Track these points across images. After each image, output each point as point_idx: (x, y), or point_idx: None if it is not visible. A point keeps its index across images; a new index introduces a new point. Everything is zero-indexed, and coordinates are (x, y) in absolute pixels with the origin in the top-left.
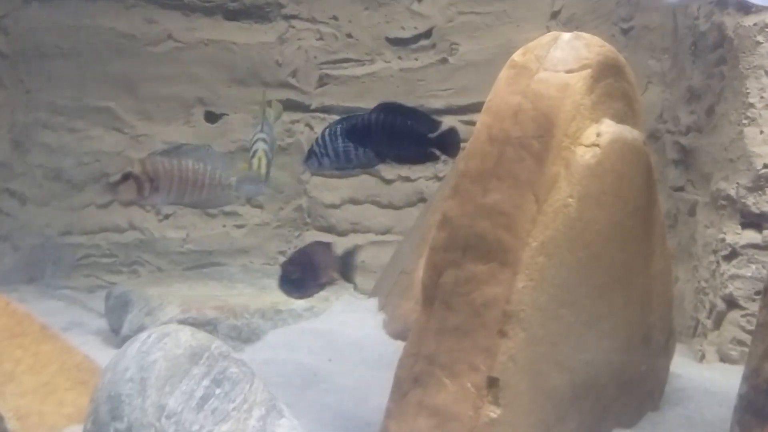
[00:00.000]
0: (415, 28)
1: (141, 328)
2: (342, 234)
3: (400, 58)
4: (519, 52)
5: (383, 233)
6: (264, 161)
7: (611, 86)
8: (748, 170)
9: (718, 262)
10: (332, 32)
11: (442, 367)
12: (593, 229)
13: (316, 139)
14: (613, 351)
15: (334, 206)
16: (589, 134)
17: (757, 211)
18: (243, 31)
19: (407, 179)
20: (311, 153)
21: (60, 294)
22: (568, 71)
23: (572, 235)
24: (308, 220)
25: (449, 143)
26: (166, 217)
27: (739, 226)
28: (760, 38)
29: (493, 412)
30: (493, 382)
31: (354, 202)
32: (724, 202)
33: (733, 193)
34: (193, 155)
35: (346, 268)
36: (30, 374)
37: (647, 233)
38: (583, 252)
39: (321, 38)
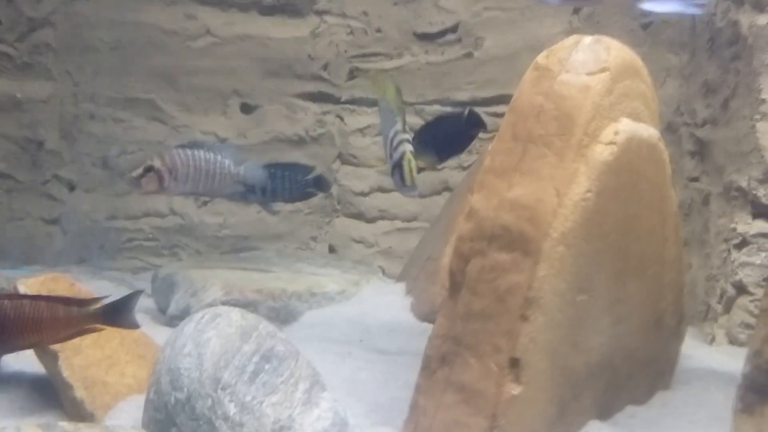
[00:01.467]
0: (442, 23)
1: (186, 308)
2: (370, 221)
3: (426, 52)
4: (542, 54)
5: (410, 221)
6: (413, 166)
7: (629, 87)
8: (759, 163)
9: (729, 251)
10: (362, 27)
11: (468, 348)
12: (610, 221)
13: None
14: (627, 334)
15: (363, 194)
16: (608, 133)
17: (766, 202)
18: (277, 26)
19: (434, 169)
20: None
21: (108, 275)
22: (589, 73)
23: (590, 226)
24: (338, 207)
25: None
26: (204, 203)
27: (750, 217)
28: None
29: (515, 389)
30: (514, 362)
31: (382, 190)
32: (736, 194)
33: (744, 185)
34: (205, 148)
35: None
36: (94, 348)
37: (661, 224)
38: (600, 242)
39: (351, 33)
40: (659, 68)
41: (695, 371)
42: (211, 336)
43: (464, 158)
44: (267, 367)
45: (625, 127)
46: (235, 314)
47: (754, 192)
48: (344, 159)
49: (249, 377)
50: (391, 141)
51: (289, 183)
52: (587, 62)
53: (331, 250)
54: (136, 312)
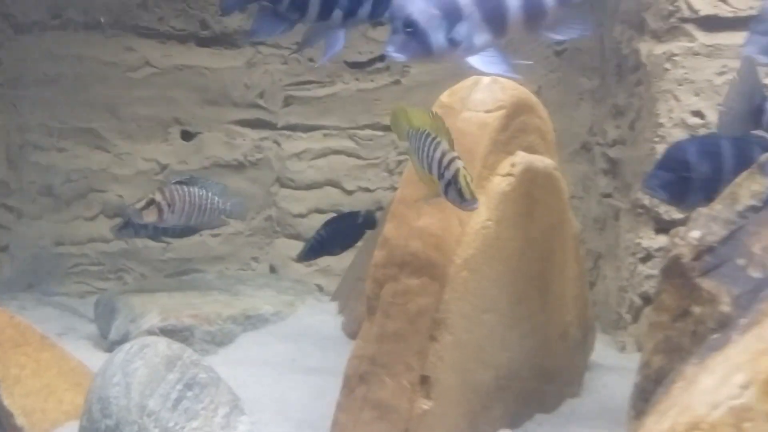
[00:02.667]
0: (371, 52)
1: (126, 334)
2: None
3: (357, 79)
4: (446, 93)
5: None
6: (469, 180)
7: (524, 122)
8: (732, 202)
9: (636, 264)
10: (295, 57)
11: (383, 367)
12: (510, 246)
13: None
14: (534, 348)
15: (301, 215)
16: (505, 165)
17: (668, 219)
18: (214, 57)
19: (367, 190)
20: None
21: (55, 301)
22: (487, 111)
23: (491, 252)
24: (277, 228)
25: None
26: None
27: (653, 232)
28: (667, 65)
29: (425, 404)
30: (425, 380)
31: (319, 211)
32: (641, 210)
33: (647, 202)
34: (198, 185)
35: None
36: (33, 378)
37: (560, 245)
38: (502, 266)
39: (285, 63)
40: (573, 92)
41: (604, 378)
42: (139, 366)
43: (395, 179)
44: (189, 394)
45: (521, 159)
46: (162, 344)
47: (656, 209)
48: (282, 182)
49: (172, 404)
50: (439, 162)
51: None
52: (485, 101)
53: (272, 270)
54: (79, 338)
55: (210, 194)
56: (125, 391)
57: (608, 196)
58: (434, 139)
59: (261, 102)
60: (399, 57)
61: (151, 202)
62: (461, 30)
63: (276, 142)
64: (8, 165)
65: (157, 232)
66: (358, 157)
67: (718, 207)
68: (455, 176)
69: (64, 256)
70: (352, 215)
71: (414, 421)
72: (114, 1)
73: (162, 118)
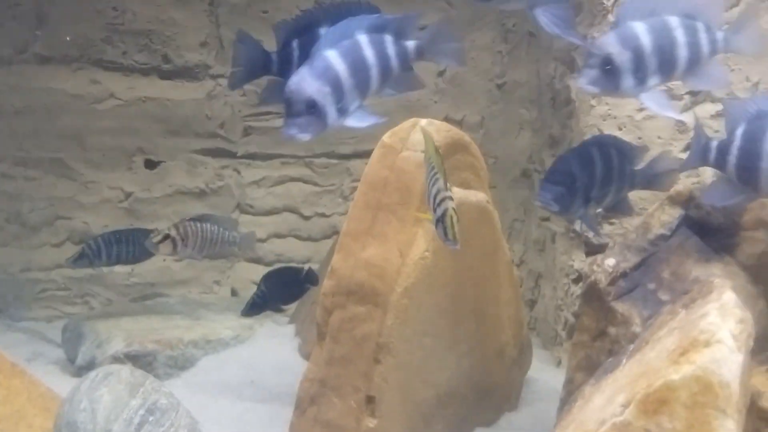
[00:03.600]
0: None
1: (92, 359)
2: (268, 264)
3: None
4: (387, 134)
5: (304, 263)
6: (455, 221)
7: (458, 160)
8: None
9: (569, 284)
10: (253, 89)
11: (332, 389)
12: (447, 275)
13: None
14: (471, 366)
15: (261, 240)
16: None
17: (597, 243)
18: (176, 89)
19: (323, 215)
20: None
21: (23, 326)
22: (424, 151)
23: (429, 281)
24: (239, 252)
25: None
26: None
27: (584, 255)
28: (593, 102)
29: (371, 422)
30: (370, 400)
31: (278, 236)
32: (572, 234)
33: (577, 227)
34: (210, 221)
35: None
36: (4, 404)
37: (494, 272)
38: (440, 292)
39: (244, 94)
40: (514, 122)
41: (541, 392)
42: (104, 392)
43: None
44: (151, 418)
45: (456, 194)
46: (125, 372)
47: (585, 234)
48: (242, 209)
49: (135, 428)
50: (434, 197)
51: (133, 247)
52: (422, 142)
53: (233, 293)
54: (47, 363)
55: (220, 228)
56: (91, 416)
57: (546, 219)
58: (435, 174)
59: (221, 132)
60: (303, 137)
61: (166, 237)
62: (347, 101)
63: (236, 170)
64: None
65: (111, 261)
66: (315, 184)
67: (632, 236)
68: (443, 215)
69: (32, 281)
70: (294, 271)
71: None
72: (80, 36)
73: (126, 148)
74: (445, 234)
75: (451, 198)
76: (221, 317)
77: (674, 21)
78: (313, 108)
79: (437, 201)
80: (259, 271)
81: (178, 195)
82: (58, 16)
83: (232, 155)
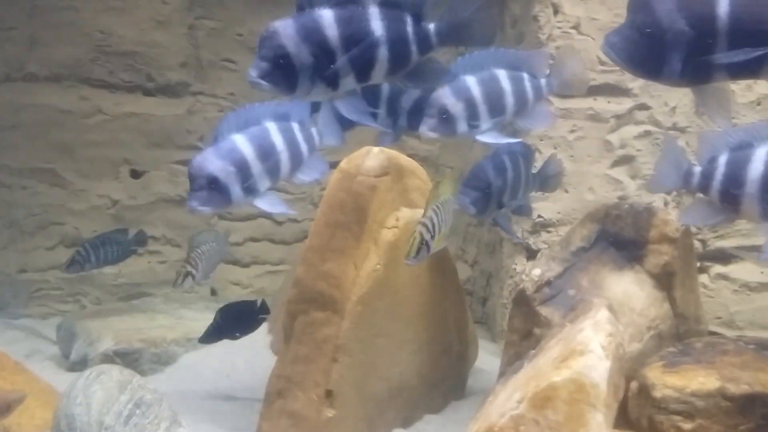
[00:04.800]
0: None
1: (85, 356)
2: (245, 266)
3: None
4: (344, 160)
5: (277, 264)
6: (415, 243)
7: (407, 184)
8: (529, 219)
9: (512, 285)
10: (230, 105)
11: (296, 384)
12: (397, 283)
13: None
14: (420, 362)
15: (237, 244)
16: (391, 219)
17: (536, 248)
18: (159, 105)
19: (295, 221)
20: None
21: (20, 324)
22: (376, 176)
23: (381, 289)
24: (221, 246)
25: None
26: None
27: (525, 259)
28: None
29: (330, 413)
30: (329, 393)
31: (254, 240)
32: (516, 240)
33: (520, 234)
34: (210, 239)
35: None
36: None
37: (440, 279)
38: (391, 299)
39: (221, 110)
40: None
41: (486, 382)
42: (97, 389)
43: None
44: (138, 411)
45: (404, 214)
46: (115, 371)
47: (526, 240)
48: (221, 215)
49: (124, 420)
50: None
51: (116, 247)
52: (375, 168)
53: (213, 292)
54: (44, 359)
55: (218, 245)
56: (86, 409)
57: (496, 225)
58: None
59: (200, 145)
60: (203, 210)
61: (187, 275)
62: (254, 182)
63: None
64: None
65: (99, 263)
66: (286, 192)
67: (557, 248)
68: (412, 235)
69: (28, 282)
70: (249, 304)
71: (321, 426)
72: (70, 57)
73: (113, 159)
74: (408, 252)
75: (423, 224)
76: (201, 316)
77: (502, 73)
78: (214, 184)
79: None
80: (236, 272)
81: (161, 202)
82: (49, 38)
83: None
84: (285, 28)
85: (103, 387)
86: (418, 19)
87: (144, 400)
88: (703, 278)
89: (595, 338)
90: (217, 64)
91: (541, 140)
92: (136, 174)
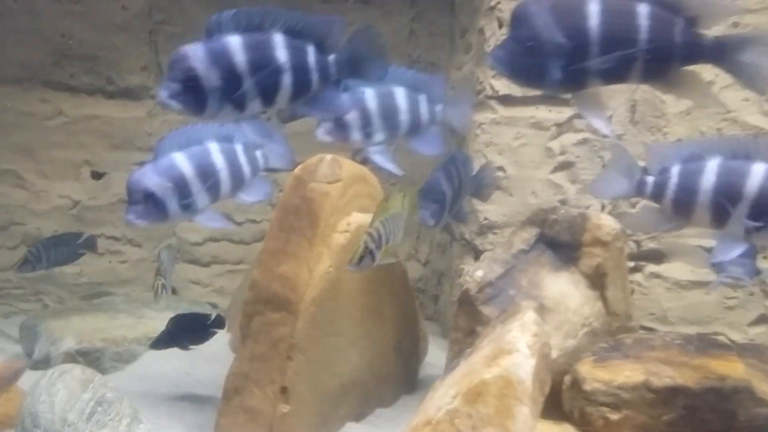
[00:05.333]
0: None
1: (47, 354)
2: (205, 265)
3: None
4: (298, 168)
5: (237, 264)
6: (359, 252)
7: (358, 190)
8: (475, 222)
9: (461, 284)
10: None
11: (253, 381)
12: (348, 285)
13: None
14: (372, 359)
15: (198, 244)
16: (342, 224)
17: (483, 249)
18: (119, 108)
19: (254, 221)
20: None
21: None
22: (328, 182)
23: (333, 291)
24: (178, 255)
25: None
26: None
27: (473, 259)
28: (477, 131)
29: (285, 408)
30: (284, 390)
31: (213, 240)
32: (464, 242)
33: (468, 236)
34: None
35: None
36: None
37: (390, 280)
38: (343, 300)
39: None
40: None
41: (436, 377)
42: (60, 388)
43: None
44: (99, 409)
45: (355, 218)
46: (77, 370)
47: (473, 241)
48: None
49: (87, 417)
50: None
51: (66, 249)
52: (327, 175)
53: (174, 291)
54: (7, 357)
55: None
56: (50, 407)
57: (448, 225)
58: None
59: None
60: (139, 223)
61: (163, 286)
62: (194, 200)
63: None
64: None
65: (50, 263)
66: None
67: (498, 251)
68: (357, 243)
69: None
70: (203, 317)
71: (276, 421)
72: (31, 60)
73: (74, 161)
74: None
75: (369, 234)
76: (162, 315)
77: (400, 91)
78: (151, 199)
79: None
80: (197, 271)
81: (122, 203)
82: (10, 42)
83: None
84: (195, 52)
85: (65, 386)
86: (320, 50)
87: (105, 398)
88: (638, 277)
89: (522, 338)
90: None
91: (488, 146)
92: (96, 175)
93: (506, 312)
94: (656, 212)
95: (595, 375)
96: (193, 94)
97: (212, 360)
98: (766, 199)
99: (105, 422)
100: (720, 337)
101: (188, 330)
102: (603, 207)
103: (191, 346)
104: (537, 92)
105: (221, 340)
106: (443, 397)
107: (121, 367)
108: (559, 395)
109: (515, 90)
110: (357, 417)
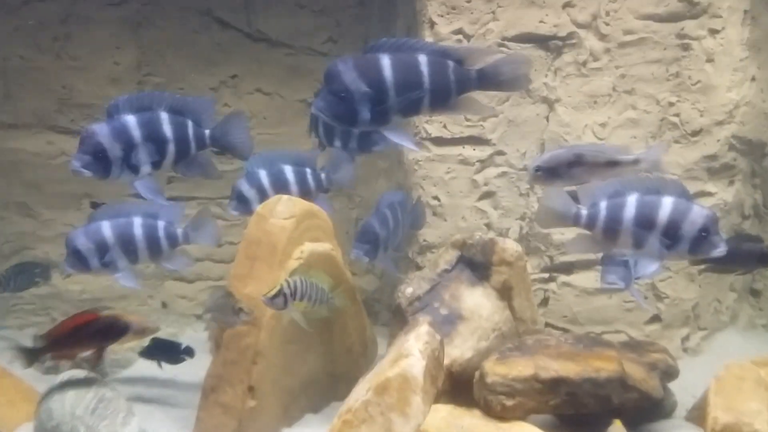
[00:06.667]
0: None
1: (57, 361)
2: (191, 282)
3: (221, 163)
4: (260, 206)
5: (218, 280)
6: (275, 289)
7: (310, 224)
8: (415, 243)
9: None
10: None
11: (226, 381)
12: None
13: None
14: (325, 362)
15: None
16: (296, 252)
17: (423, 265)
18: None
19: (232, 243)
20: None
21: (2, 333)
22: (285, 218)
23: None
24: (167, 274)
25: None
26: (68, 276)
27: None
28: (416, 167)
29: (251, 403)
30: (251, 388)
31: (198, 260)
32: (407, 259)
33: (410, 255)
34: None
35: None
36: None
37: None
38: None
39: None
40: (374, 172)
41: None
42: (69, 389)
43: None
44: (101, 405)
45: (307, 247)
46: (83, 374)
47: (415, 259)
48: None
49: (91, 411)
50: None
51: (26, 276)
52: (284, 212)
53: (163, 305)
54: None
55: None
56: (61, 404)
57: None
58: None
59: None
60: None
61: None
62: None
63: None
64: None
65: (12, 290)
66: (224, 219)
67: (426, 271)
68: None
69: (6, 298)
70: (176, 345)
71: (245, 414)
72: (38, 108)
73: (75, 193)
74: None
75: (287, 281)
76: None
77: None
78: (78, 254)
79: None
80: (183, 287)
81: None
82: (20, 93)
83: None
84: (101, 130)
85: (73, 387)
86: (197, 124)
87: (105, 397)
88: (552, 286)
89: (416, 345)
90: None
91: (424, 179)
92: (95, 205)
93: (409, 326)
94: (587, 239)
95: (495, 370)
96: (101, 163)
97: (196, 364)
98: (674, 224)
99: (105, 415)
100: (620, 335)
101: (162, 353)
102: (521, 229)
103: (163, 366)
104: (463, 134)
105: (204, 347)
106: (360, 390)
107: (118, 372)
108: (472, 387)
109: (445, 132)
110: (315, 409)
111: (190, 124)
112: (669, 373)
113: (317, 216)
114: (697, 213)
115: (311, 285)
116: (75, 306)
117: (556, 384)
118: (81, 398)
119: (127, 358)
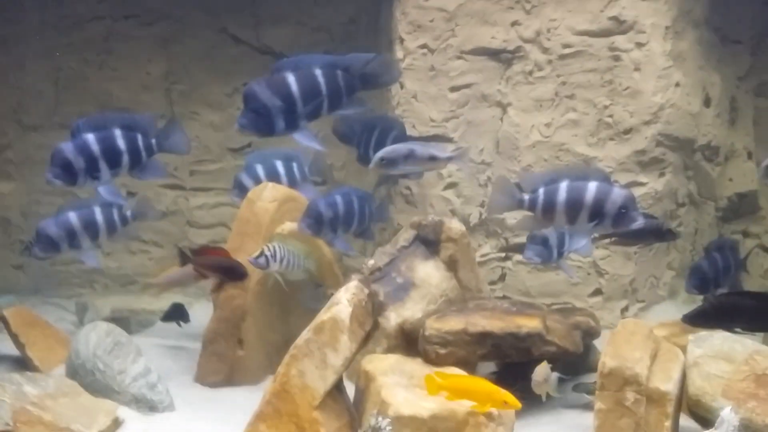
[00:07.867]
0: (241, 141)
1: (93, 321)
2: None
3: (234, 158)
4: (251, 191)
5: None
6: (260, 250)
7: (290, 207)
8: (392, 226)
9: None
10: (195, 144)
11: (220, 335)
12: None
13: None
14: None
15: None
16: (278, 229)
17: None
18: None
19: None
20: None
21: (52, 301)
22: (269, 202)
23: (272, 275)
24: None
25: None
26: (108, 254)
27: None
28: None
29: (240, 352)
30: (240, 341)
31: (214, 241)
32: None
33: (387, 236)
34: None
35: None
36: (42, 342)
37: (320, 266)
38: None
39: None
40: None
41: None
42: (92, 335)
43: None
44: (116, 347)
45: (286, 226)
46: (104, 325)
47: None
48: (191, 224)
49: (108, 351)
50: None
51: None
52: (268, 196)
53: None
54: (67, 324)
55: None
56: (86, 346)
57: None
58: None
59: (175, 173)
60: (45, 257)
61: None
62: (79, 241)
63: (186, 198)
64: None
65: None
66: (237, 207)
67: (387, 246)
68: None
69: (56, 272)
70: (185, 310)
71: (236, 361)
72: (83, 111)
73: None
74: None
75: (268, 245)
76: (172, 297)
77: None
78: (49, 240)
79: None
80: None
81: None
82: (69, 98)
83: (183, 188)
84: (67, 147)
85: (96, 333)
86: (145, 136)
87: (120, 341)
88: (508, 264)
89: (345, 296)
90: (186, 116)
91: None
92: (131, 194)
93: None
94: (531, 219)
95: (432, 325)
96: (68, 174)
97: (202, 324)
98: (598, 203)
99: (119, 355)
100: (568, 305)
101: (180, 315)
102: (480, 215)
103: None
104: (429, 133)
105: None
106: (305, 332)
107: (141, 331)
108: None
109: (414, 132)
110: None
111: (139, 136)
112: (590, 333)
113: (296, 200)
114: (617, 193)
115: (288, 251)
116: (113, 280)
117: (482, 337)
118: (101, 341)
119: (149, 319)
